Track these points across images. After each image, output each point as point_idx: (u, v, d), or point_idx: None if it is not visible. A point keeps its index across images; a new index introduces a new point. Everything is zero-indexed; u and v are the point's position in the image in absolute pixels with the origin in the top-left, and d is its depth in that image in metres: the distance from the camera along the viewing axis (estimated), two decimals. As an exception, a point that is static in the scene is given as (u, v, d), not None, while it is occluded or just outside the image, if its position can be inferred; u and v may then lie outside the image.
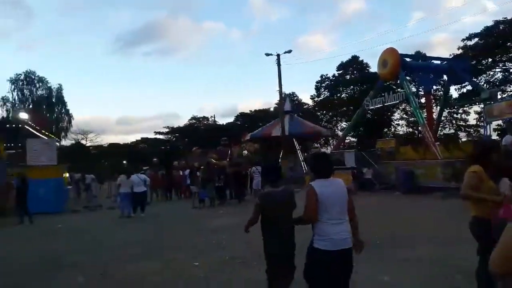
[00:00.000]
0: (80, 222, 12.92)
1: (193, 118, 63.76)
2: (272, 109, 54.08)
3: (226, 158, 22.25)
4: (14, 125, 19.19)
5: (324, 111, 46.02)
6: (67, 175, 19.29)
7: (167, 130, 63.11)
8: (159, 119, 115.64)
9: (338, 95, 44.30)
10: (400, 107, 40.38)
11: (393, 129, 43.63)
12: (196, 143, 42.36)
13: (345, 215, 3.50)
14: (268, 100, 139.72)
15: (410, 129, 42.32)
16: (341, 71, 44.27)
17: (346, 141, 35.96)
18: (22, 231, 11.35)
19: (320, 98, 46.19)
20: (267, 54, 26.15)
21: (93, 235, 9.81)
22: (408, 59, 22.14)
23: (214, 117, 64.59)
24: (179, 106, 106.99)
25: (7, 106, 46.75)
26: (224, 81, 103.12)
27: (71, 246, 8.36)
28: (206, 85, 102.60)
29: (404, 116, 42.33)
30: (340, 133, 40.12)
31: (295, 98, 52.11)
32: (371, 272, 5.32)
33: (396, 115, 42.84)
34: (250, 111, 59.11)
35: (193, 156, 27.55)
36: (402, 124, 43.58)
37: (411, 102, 21.78)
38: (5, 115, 43.15)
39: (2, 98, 46.99)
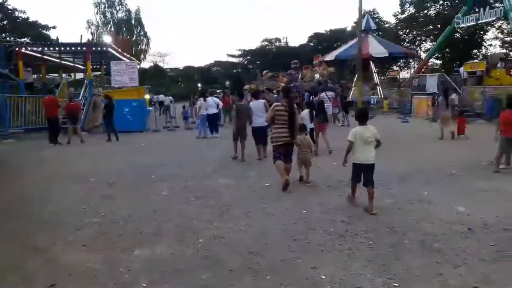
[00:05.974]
0: (161, 141, 13.93)
1: (265, 39, 62.54)
2: (349, 28, 51.00)
3: (297, 82, 21.92)
4: (99, 48, 20.17)
5: (407, 30, 42.24)
6: (148, 96, 20.35)
7: (239, 52, 62.99)
8: (232, 41, 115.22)
9: (425, 11, 39.99)
10: (496, 25, 35.49)
11: (484, 50, 38.95)
12: (268, 66, 41.98)
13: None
14: (349, 18, 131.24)
15: (505, 50, 37.48)
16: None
17: (429, 63, 33.36)
18: (111, 147, 12.54)
19: (404, 16, 42.09)
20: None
21: (173, 153, 10.58)
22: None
23: (287, 39, 62.87)
24: (254, 28, 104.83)
25: (91, 29, 49.50)
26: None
27: (155, 162, 9.10)
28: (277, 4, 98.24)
29: (499, 35, 37.32)
30: (423, 55, 37.08)
31: (376, 15, 48.29)
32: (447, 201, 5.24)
33: (490, 34, 37.95)
34: (326, 31, 56.34)
35: (264, 79, 27.46)
36: (495, 45, 38.69)
37: (510, 18, 19.28)
38: (90, 38, 45.74)
39: (87, 21, 49.69)
